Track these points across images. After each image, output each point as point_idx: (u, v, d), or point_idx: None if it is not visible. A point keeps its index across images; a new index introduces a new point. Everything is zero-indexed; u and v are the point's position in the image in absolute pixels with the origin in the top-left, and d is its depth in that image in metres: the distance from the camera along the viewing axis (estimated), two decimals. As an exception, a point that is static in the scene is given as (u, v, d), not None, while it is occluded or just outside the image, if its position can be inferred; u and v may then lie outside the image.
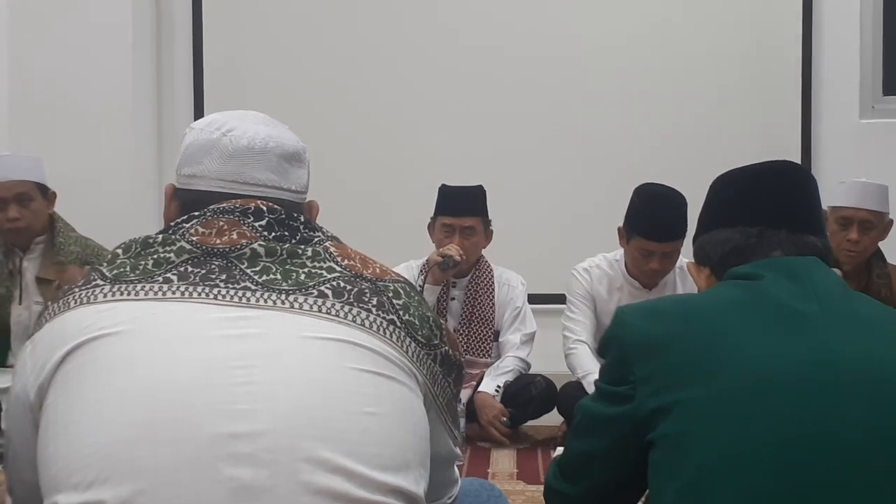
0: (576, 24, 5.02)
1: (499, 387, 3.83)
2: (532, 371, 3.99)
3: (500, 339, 4.02)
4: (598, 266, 3.80)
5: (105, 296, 1.28)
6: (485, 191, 3.96)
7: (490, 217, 4.01)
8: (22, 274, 3.79)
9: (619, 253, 3.75)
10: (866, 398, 1.27)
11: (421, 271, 3.87)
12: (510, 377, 3.89)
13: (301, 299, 1.28)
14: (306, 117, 4.64)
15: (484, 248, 4.00)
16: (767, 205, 1.48)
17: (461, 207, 3.90)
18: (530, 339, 4.02)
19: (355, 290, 1.31)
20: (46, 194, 3.82)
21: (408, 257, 3.97)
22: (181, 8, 5.14)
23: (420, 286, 3.78)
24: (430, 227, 3.98)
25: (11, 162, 3.78)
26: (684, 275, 3.64)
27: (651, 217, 3.49)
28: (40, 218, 3.78)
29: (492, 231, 4.00)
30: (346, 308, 1.29)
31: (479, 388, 3.81)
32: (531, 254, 4.65)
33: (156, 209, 4.69)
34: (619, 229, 3.63)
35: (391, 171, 5.02)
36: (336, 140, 4.92)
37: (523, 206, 4.88)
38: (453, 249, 3.79)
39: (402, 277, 1.41)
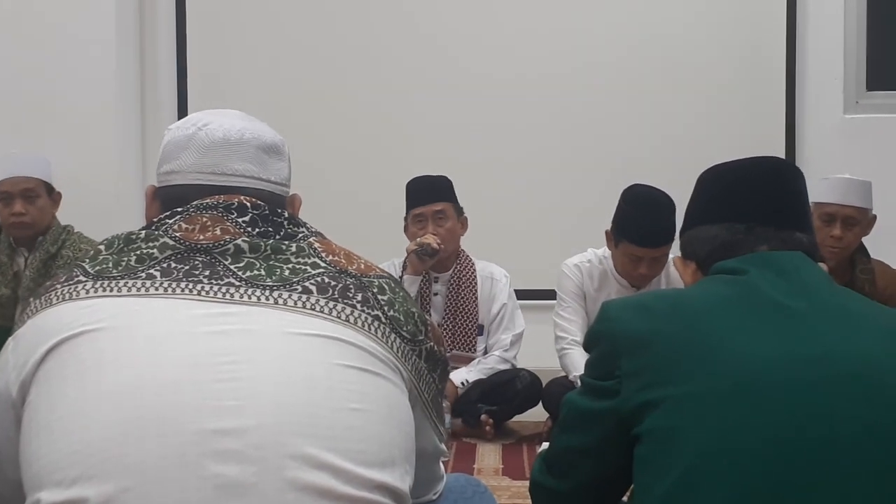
0: (559, 19, 5.00)
1: (466, 381, 3.84)
2: (518, 367, 4.00)
3: (489, 340, 4.02)
4: (589, 261, 3.77)
5: (87, 292, 1.27)
6: (450, 180, 3.97)
7: (476, 212, 4.01)
8: (26, 275, 3.84)
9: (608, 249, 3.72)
10: (855, 394, 1.26)
11: (403, 267, 3.87)
12: (484, 376, 3.89)
13: (285, 295, 1.27)
14: (291, 116, 4.64)
15: (461, 236, 4.00)
16: (755, 202, 1.48)
17: (429, 195, 3.92)
18: (518, 338, 4.02)
19: (340, 285, 1.31)
20: (52, 194, 3.95)
21: (391, 256, 3.96)
22: (165, 8, 5.11)
23: (400, 277, 3.78)
24: (405, 229, 3.98)
25: (20, 159, 3.92)
26: (668, 271, 3.63)
27: (639, 222, 3.47)
28: (45, 216, 3.92)
29: (466, 219, 4.00)
30: (331, 304, 1.28)
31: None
32: (518, 250, 4.63)
33: (139, 211, 4.67)
34: (606, 233, 3.60)
35: (376, 169, 4.98)
36: (320, 138, 4.90)
37: (510, 203, 4.88)
38: (430, 238, 3.79)
39: (387, 273, 1.41)
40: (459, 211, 3.97)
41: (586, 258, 3.79)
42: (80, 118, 4.73)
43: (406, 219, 3.97)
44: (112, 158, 4.82)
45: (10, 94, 4.73)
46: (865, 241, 3.67)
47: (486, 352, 4.01)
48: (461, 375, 3.86)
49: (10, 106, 4.71)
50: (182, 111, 4.99)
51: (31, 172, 3.87)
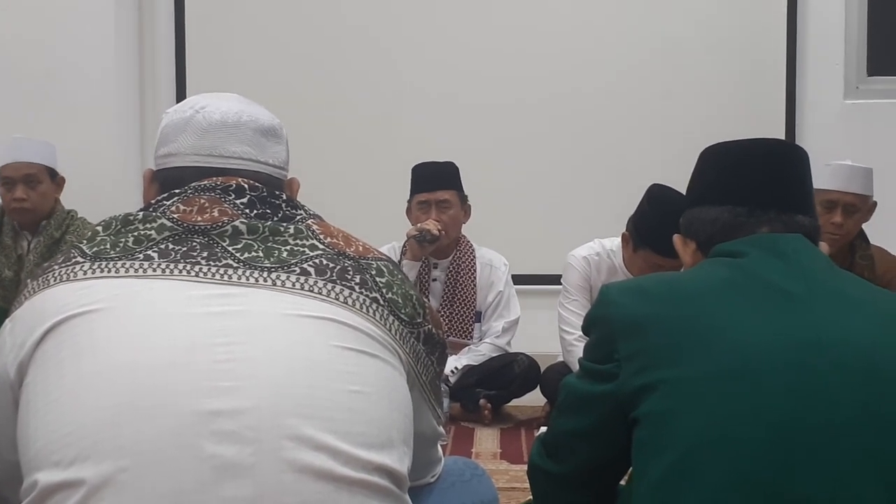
0: (562, 9, 4.99)
1: (456, 368, 3.84)
2: (515, 351, 4.00)
3: (483, 327, 4.01)
4: (598, 254, 3.69)
5: (85, 273, 1.26)
6: (457, 167, 3.95)
7: (476, 198, 4.00)
8: (29, 259, 3.86)
9: (616, 242, 3.64)
10: (853, 379, 1.26)
11: (402, 251, 3.87)
12: (474, 361, 3.89)
13: (283, 277, 1.27)
14: (292, 101, 4.62)
15: (463, 223, 3.99)
16: (757, 184, 1.47)
17: (435, 182, 3.90)
18: (513, 325, 4.00)
19: (338, 267, 1.31)
20: (55, 178, 3.95)
21: (391, 240, 3.95)
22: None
23: (399, 261, 3.78)
24: (408, 212, 3.97)
25: (23, 144, 3.91)
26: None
27: (665, 231, 3.32)
28: (47, 200, 3.92)
29: (469, 206, 3.99)
30: (329, 286, 1.28)
31: None
32: (517, 235, 4.64)
33: (138, 196, 4.65)
34: (623, 235, 3.49)
35: (377, 156, 4.97)
36: (322, 125, 4.90)
37: (510, 188, 4.88)
38: (431, 224, 3.79)
39: (386, 255, 1.40)
40: (464, 199, 3.96)
41: (594, 250, 3.71)
42: (79, 103, 4.72)
43: (409, 202, 3.96)
44: (111, 143, 4.82)
45: (9, 78, 4.72)
46: (865, 226, 3.66)
47: (481, 339, 4.01)
48: (450, 363, 3.85)
49: (8, 90, 4.71)
50: (181, 95, 4.98)
51: (34, 158, 3.87)
